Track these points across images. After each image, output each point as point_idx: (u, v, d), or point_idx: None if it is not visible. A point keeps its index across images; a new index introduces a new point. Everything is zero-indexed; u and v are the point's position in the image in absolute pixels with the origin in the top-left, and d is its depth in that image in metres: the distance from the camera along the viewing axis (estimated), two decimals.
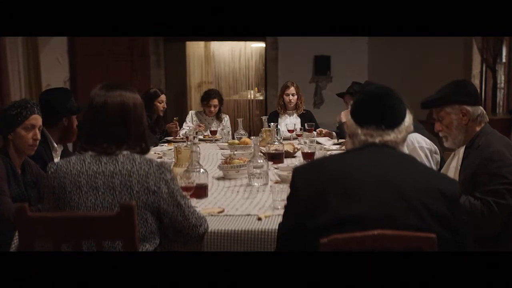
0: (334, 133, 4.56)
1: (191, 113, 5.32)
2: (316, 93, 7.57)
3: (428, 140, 2.93)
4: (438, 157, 2.89)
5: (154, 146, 4.28)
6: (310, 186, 1.51)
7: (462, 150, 2.37)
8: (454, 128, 2.33)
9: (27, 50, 6.74)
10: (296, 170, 1.59)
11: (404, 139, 1.62)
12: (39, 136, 2.49)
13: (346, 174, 1.51)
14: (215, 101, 5.11)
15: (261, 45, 8.63)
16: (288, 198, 1.59)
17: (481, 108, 2.34)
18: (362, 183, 1.48)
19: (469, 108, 2.30)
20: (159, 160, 1.83)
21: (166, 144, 4.43)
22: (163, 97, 5.01)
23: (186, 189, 2.22)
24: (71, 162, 1.76)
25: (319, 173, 1.54)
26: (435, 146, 2.92)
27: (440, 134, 2.45)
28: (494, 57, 7.57)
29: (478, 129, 2.31)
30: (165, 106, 5.05)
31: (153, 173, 1.73)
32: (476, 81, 7.79)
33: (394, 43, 6.92)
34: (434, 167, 2.83)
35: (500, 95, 8.01)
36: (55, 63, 7.16)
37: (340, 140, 4.34)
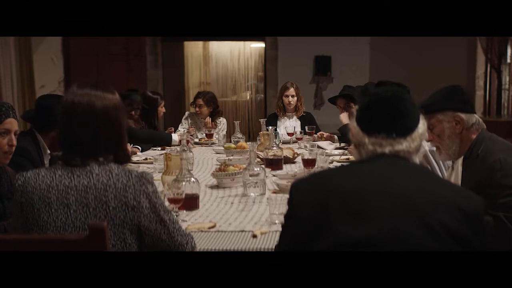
0: (335, 137, 4.37)
1: (186, 114, 5.17)
2: (317, 94, 7.44)
3: None
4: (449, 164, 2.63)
5: (147, 150, 4.11)
6: (311, 204, 1.32)
7: (460, 162, 2.15)
8: (446, 138, 2.10)
9: (19, 50, 6.60)
10: (295, 185, 1.39)
11: (417, 149, 1.42)
12: (15, 142, 2.29)
13: (352, 189, 1.31)
14: (199, 101, 4.98)
15: (261, 45, 8.47)
16: (286, 217, 1.40)
17: (476, 116, 2.12)
18: (371, 200, 1.29)
19: (463, 115, 2.08)
20: (140, 170, 1.62)
21: (159, 148, 4.23)
22: (162, 102, 4.92)
23: (174, 200, 2.03)
24: (40, 175, 1.56)
25: (321, 189, 1.34)
26: None
27: (431, 145, 2.22)
28: (499, 58, 7.40)
29: (474, 136, 2.09)
30: (164, 110, 4.97)
31: (132, 186, 1.52)
32: (480, 82, 7.63)
33: (396, 43, 6.79)
34: (445, 171, 2.60)
35: (505, 96, 7.85)
36: (49, 63, 7.04)
37: (342, 144, 4.16)
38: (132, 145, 3.91)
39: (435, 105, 2.12)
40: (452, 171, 2.24)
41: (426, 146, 2.60)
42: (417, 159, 1.43)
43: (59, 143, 1.63)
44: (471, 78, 7.45)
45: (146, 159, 3.59)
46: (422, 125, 1.44)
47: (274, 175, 2.88)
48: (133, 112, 4.31)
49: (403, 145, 1.37)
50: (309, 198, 1.33)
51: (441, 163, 2.67)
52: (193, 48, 9.28)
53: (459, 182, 2.13)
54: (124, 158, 1.63)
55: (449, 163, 2.58)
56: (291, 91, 4.89)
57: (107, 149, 1.58)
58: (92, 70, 6.88)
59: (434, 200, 1.29)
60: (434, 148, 2.35)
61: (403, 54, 7.22)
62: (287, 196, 1.42)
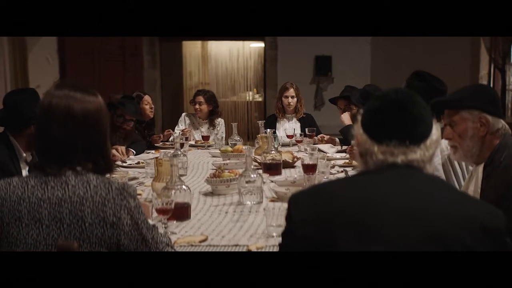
0: (337, 139, 4.21)
1: (183, 115, 4.99)
2: (317, 95, 7.31)
3: None
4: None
5: (141, 153, 3.94)
6: (312, 220, 1.16)
7: (480, 169, 1.97)
8: (468, 138, 1.91)
9: (13, 50, 6.47)
10: (294, 198, 1.23)
11: (431, 158, 1.26)
12: None
13: (360, 204, 1.15)
14: (200, 98, 4.80)
15: (260, 45, 8.35)
16: (283, 234, 1.24)
17: (503, 122, 1.93)
18: (381, 216, 1.13)
19: (489, 117, 1.89)
20: (121, 181, 1.46)
21: (153, 151, 4.06)
22: (147, 98, 4.61)
23: (163, 211, 1.87)
24: (11, 185, 1.40)
25: (323, 203, 1.18)
26: None
27: (449, 144, 2.01)
28: (503, 58, 7.27)
29: (497, 142, 1.90)
30: (152, 105, 4.65)
31: (112, 200, 1.36)
32: (484, 83, 7.50)
33: (398, 43, 6.70)
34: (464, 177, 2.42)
35: (509, 97, 7.72)
36: (44, 63, 6.93)
37: (344, 147, 4.00)
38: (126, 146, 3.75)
39: (461, 101, 1.93)
40: (471, 178, 2.06)
41: (447, 150, 2.41)
42: (430, 170, 1.27)
43: (35, 149, 1.49)
44: (474, 78, 7.35)
45: (138, 163, 3.43)
46: (436, 131, 1.28)
47: (272, 181, 2.72)
48: (125, 126, 3.87)
49: (417, 154, 1.21)
50: (310, 214, 1.17)
51: (464, 168, 2.46)
52: (192, 48, 9.18)
53: (478, 191, 1.95)
54: (105, 167, 1.47)
55: (470, 168, 2.40)
56: (291, 91, 4.75)
57: (86, 157, 1.43)
58: (88, 70, 6.79)
59: (453, 217, 1.13)
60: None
61: (404, 54, 7.12)
62: (285, 205, 1.27)
